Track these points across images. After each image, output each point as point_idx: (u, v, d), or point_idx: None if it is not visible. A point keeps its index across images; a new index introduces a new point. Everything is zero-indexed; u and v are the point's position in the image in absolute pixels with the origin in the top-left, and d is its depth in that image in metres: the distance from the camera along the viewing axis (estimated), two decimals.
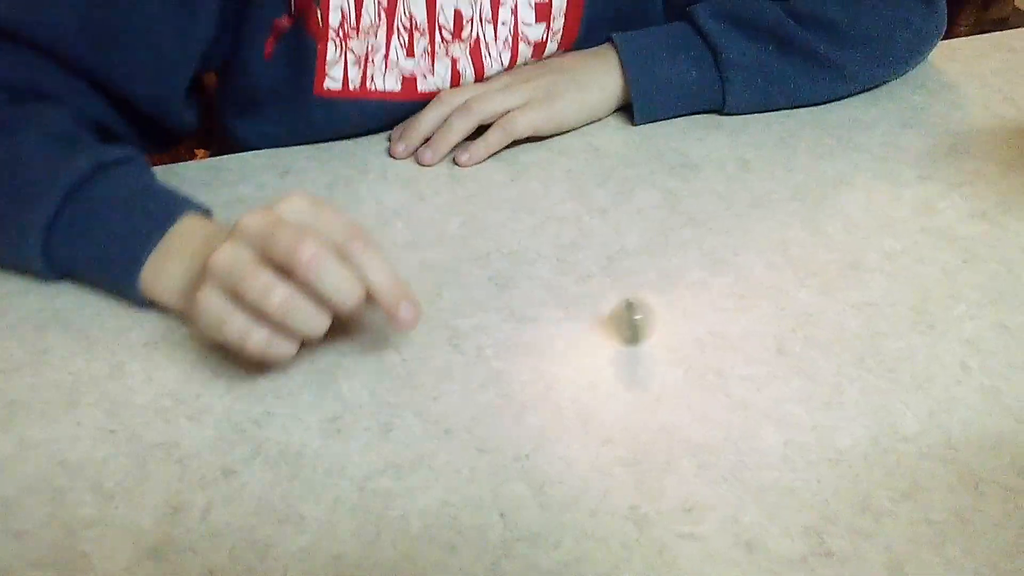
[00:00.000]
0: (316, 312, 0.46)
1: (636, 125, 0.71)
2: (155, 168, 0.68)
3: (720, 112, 0.71)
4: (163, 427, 0.48)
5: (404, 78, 0.68)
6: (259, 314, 0.45)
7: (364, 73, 0.66)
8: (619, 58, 0.69)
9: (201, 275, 0.48)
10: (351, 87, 0.67)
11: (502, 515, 0.44)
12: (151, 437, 0.48)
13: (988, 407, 0.48)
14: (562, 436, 0.47)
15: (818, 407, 0.48)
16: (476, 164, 0.67)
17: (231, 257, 0.46)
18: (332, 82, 0.66)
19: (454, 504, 0.44)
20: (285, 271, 0.45)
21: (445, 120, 0.67)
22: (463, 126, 0.67)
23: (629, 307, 0.51)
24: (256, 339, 0.46)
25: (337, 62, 0.65)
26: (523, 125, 0.67)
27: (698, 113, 0.72)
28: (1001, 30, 0.84)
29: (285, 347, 0.47)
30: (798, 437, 0.47)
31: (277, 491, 0.45)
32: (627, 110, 0.71)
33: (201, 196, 0.64)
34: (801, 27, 0.69)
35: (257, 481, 0.45)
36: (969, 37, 0.81)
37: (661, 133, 0.70)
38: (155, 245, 0.52)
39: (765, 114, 0.71)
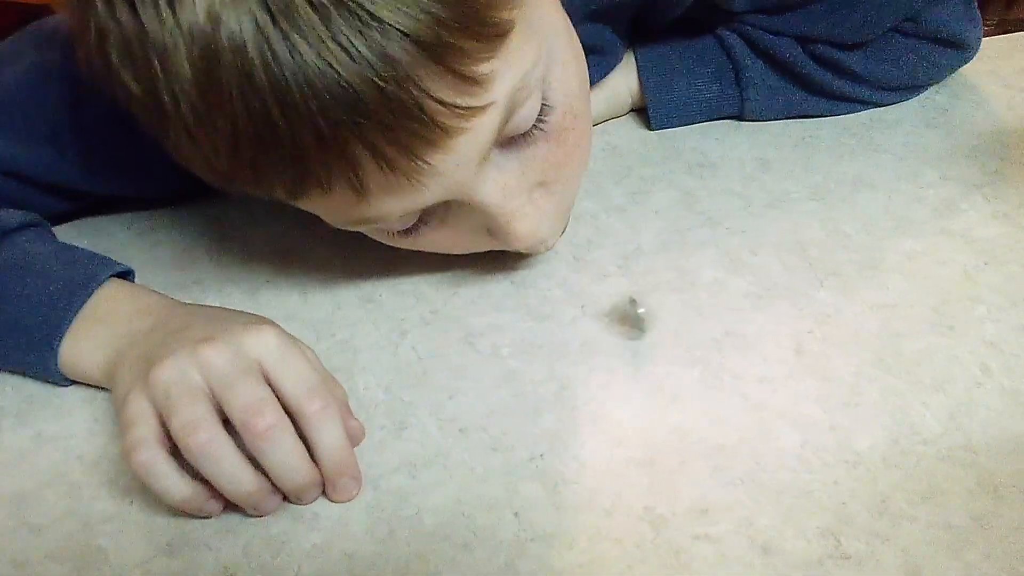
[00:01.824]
0: (241, 470, 0.42)
1: (653, 130, 0.70)
2: None
3: (738, 118, 0.71)
4: None
5: None
6: (174, 444, 0.42)
7: None
8: (636, 65, 0.69)
9: (131, 359, 0.45)
10: None
11: (516, 514, 0.43)
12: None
13: (1009, 409, 0.47)
14: (577, 436, 0.47)
15: (836, 408, 0.48)
16: None
17: (176, 375, 0.42)
18: None
19: (468, 503, 0.44)
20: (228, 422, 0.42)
21: None
22: None
23: (632, 302, 0.51)
24: (144, 457, 0.41)
25: None
26: None
27: (715, 120, 0.71)
28: None
29: (177, 486, 0.42)
30: (815, 438, 0.46)
31: None
32: (645, 111, 0.70)
33: (214, 200, 0.64)
34: (820, 67, 0.67)
35: None
36: (992, 37, 0.80)
37: (679, 132, 0.69)
38: (77, 311, 0.48)
39: None
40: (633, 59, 0.69)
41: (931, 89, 0.72)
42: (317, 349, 0.51)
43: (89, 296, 0.49)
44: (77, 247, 0.53)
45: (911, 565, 0.40)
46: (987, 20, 1.43)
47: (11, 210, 0.54)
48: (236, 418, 0.41)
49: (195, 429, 0.41)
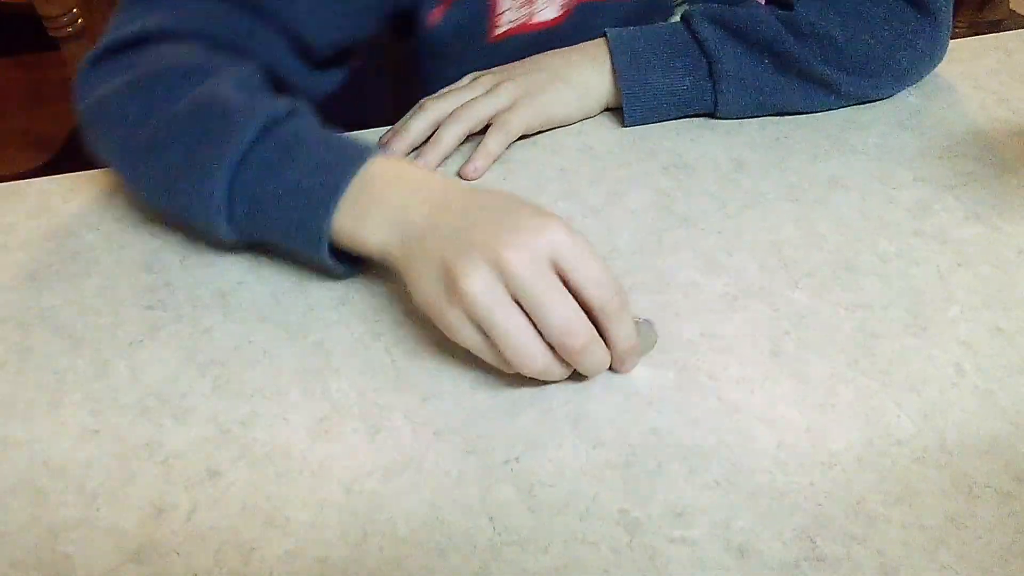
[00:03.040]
0: (559, 363, 0.47)
1: (625, 127, 0.70)
2: None
3: (711, 116, 0.71)
4: (148, 427, 0.47)
5: (562, 5, 0.71)
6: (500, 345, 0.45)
7: (531, 10, 0.70)
8: (611, 61, 0.69)
9: (423, 254, 0.48)
10: (517, 24, 0.70)
11: (491, 518, 0.43)
12: (135, 437, 0.47)
13: (982, 410, 0.47)
14: (552, 438, 0.47)
15: (811, 409, 0.48)
16: (483, 175, 0.66)
17: (485, 289, 0.44)
18: (502, 28, 0.70)
19: (442, 507, 0.44)
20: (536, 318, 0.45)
21: (435, 130, 0.67)
22: (453, 136, 0.66)
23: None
24: (540, 366, 0.46)
25: (508, 8, 0.69)
26: (516, 124, 0.67)
27: (688, 117, 0.71)
28: (996, 32, 0.83)
29: (560, 367, 0.47)
30: (791, 440, 0.46)
31: (263, 493, 0.44)
32: (620, 110, 0.70)
33: None
34: (799, 42, 0.67)
35: (243, 483, 0.45)
36: (964, 39, 0.81)
37: (654, 133, 0.69)
38: (353, 176, 0.50)
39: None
40: (607, 56, 0.69)
41: (904, 90, 0.73)
42: (290, 351, 0.50)
43: (360, 168, 0.51)
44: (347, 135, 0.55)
45: (886, 566, 0.40)
46: (959, 22, 1.44)
47: (277, 98, 0.55)
48: (553, 338, 0.45)
49: (527, 358, 0.45)
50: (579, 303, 0.45)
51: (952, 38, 0.73)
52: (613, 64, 0.69)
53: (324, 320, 0.54)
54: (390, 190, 0.50)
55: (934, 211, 0.61)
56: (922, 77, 0.73)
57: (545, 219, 0.46)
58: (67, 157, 1.48)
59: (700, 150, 0.67)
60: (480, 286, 0.44)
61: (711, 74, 0.68)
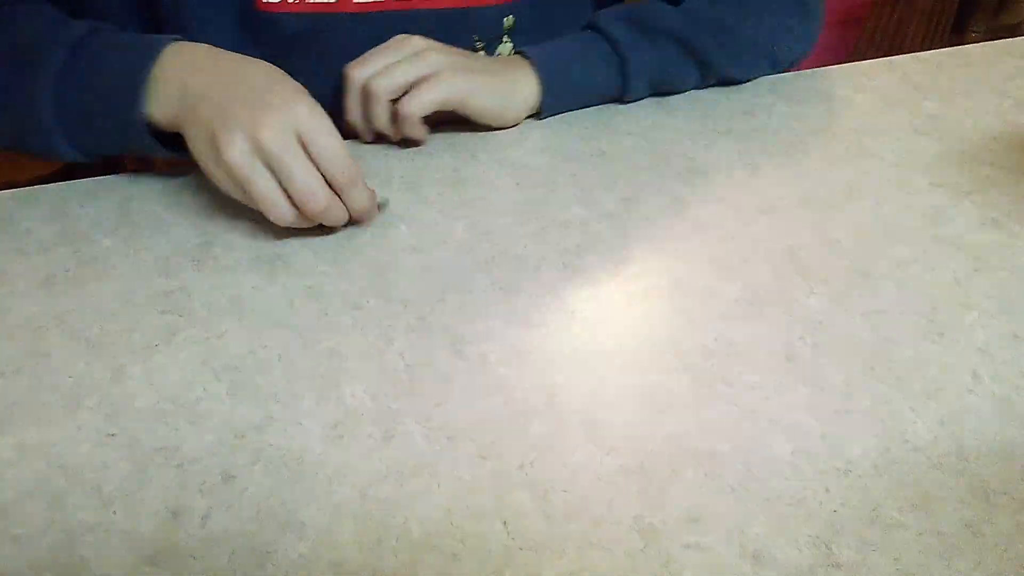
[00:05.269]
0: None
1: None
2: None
3: (620, 101, 0.75)
4: (163, 431, 0.48)
5: None
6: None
7: None
8: (531, 64, 0.71)
9: (196, 121, 0.55)
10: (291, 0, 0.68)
11: (505, 523, 0.43)
12: (151, 441, 0.47)
13: (1000, 417, 0.47)
14: (566, 444, 0.47)
15: (827, 416, 0.47)
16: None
17: (242, 161, 0.53)
18: None
19: (456, 512, 0.43)
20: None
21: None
22: (384, 114, 0.67)
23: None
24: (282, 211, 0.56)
25: None
26: (438, 92, 0.66)
27: (596, 105, 0.75)
28: (1012, 36, 0.83)
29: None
30: (806, 446, 0.46)
31: (277, 497, 0.44)
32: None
33: (186, 201, 0.64)
34: (698, 31, 0.73)
35: (257, 487, 0.45)
36: (981, 43, 0.80)
37: (669, 138, 0.69)
38: (152, 65, 0.57)
39: (774, 120, 0.71)
40: (528, 63, 0.71)
41: (920, 94, 0.72)
42: (304, 356, 0.51)
43: (160, 52, 0.57)
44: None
45: (902, 573, 0.40)
46: (975, 27, 1.44)
47: (75, 21, 0.61)
48: (297, 199, 0.55)
49: (268, 196, 0.55)
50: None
51: (969, 42, 0.73)
52: (532, 62, 0.71)
53: (338, 325, 0.54)
54: (179, 69, 0.57)
55: (951, 217, 0.60)
56: (804, 57, 0.80)
57: (294, 97, 0.55)
58: (83, 163, 1.50)
59: (714, 156, 0.67)
60: (237, 155, 0.53)
61: (623, 71, 0.72)
